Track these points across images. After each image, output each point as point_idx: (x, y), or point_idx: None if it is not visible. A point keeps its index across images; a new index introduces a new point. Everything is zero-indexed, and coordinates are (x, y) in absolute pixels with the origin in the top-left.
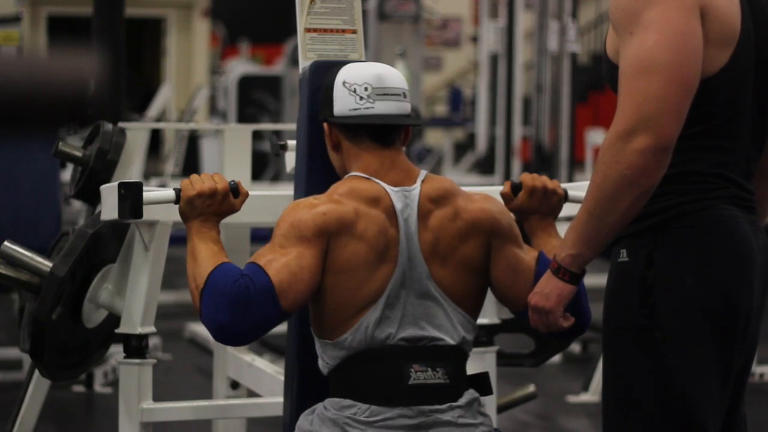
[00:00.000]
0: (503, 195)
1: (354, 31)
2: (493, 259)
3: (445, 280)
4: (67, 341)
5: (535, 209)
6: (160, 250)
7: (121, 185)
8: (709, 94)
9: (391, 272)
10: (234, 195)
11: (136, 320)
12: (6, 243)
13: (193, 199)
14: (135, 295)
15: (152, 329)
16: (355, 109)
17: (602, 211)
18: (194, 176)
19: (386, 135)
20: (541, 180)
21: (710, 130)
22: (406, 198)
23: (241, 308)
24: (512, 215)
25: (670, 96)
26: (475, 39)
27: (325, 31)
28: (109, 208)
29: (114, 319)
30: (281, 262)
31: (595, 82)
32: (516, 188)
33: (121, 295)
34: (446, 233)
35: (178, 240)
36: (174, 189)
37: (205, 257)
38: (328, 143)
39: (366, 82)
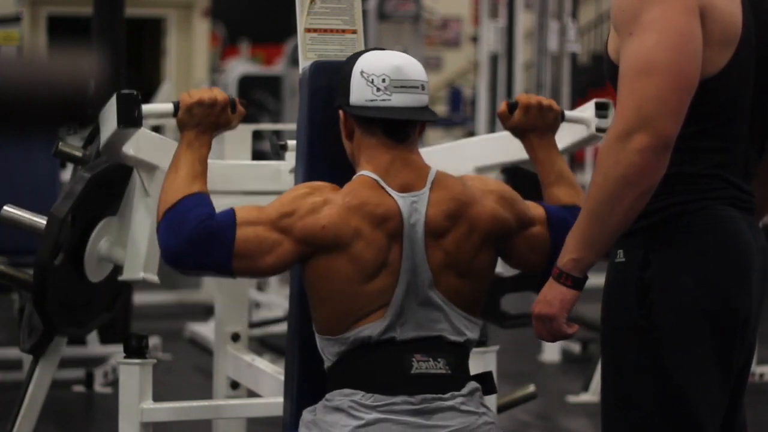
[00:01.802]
0: (500, 114)
1: (354, 31)
2: (508, 252)
3: (453, 289)
4: (70, 294)
5: (533, 126)
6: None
7: (119, 94)
8: (708, 95)
9: (392, 284)
10: (232, 110)
11: (139, 265)
12: (6, 207)
13: (193, 106)
14: (137, 241)
15: (155, 278)
16: (371, 101)
17: (604, 212)
18: (193, 90)
19: (400, 130)
20: (536, 98)
21: (709, 130)
22: (414, 204)
23: (194, 247)
24: (517, 199)
25: (669, 96)
26: (475, 39)
27: (325, 31)
28: (108, 122)
29: (118, 284)
30: (257, 231)
31: (595, 81)
32: (512, 107)
33: (122, 246)
34: (464, 250)
35: None
36: (172, 102)
37: (185, 176)
38: (342, 130)
39: (384, 74)
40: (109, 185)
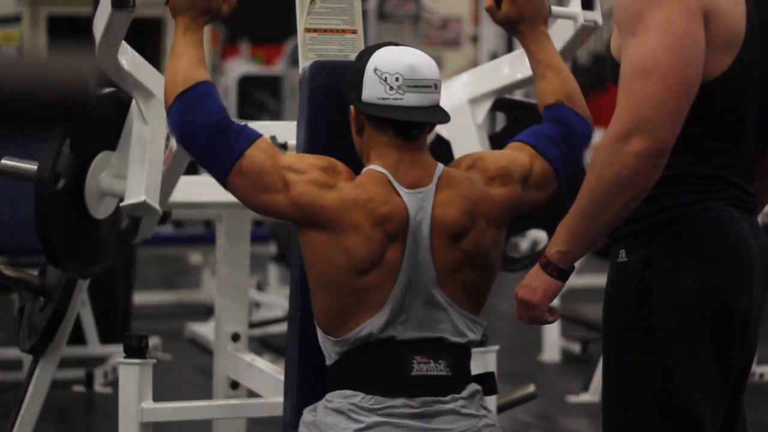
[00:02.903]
0: (488, 9)
1: (354, 31)
2: (522, 210)
3: (465, 286)
4: (72, 227)
5: (521, 15)
6: (158, 124)
7: None
8: (710, 97)
9: (389, 281)
10: None
11: (140, 189)
12: (4, 159)
13: None
14: (137, 167)
15: (157, 205)
16: (383, 99)
17: (594, 211)
18: None
19: (411, 129)
20: None
21: (711, 132)
22: (421, 201)
23: (207, 134)
24: (513, 165)
25: (668, 99)
26: (475, 39)
27: (325, 31)
28: (100, 21)
29: (121, 232)
30: (264, 162)
31: (595, 82)
32: (498, 1)
33: (123, 179)
34: (483, 245)
35: (178, 240)
36: None
37: (190, 60)
38: (352, 125)
39: (398, 72)
40: (105, 116)
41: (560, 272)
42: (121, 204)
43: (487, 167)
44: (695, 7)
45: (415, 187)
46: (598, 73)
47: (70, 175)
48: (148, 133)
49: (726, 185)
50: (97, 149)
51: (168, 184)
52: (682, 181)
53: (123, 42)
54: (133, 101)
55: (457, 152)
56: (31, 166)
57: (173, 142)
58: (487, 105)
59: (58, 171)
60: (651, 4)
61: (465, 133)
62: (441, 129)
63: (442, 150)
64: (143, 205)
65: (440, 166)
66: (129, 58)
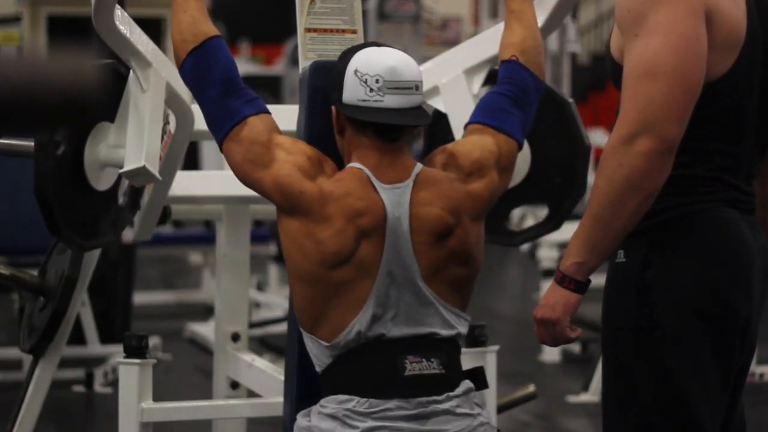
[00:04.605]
0: None
1: (354, 31)
2: (499, 192)
3: (452, 282)
4: (73, 197)
5: None
6: (156, 92)
7: None
8: (711, 98)
9: (366, 276)
10: None
11: (140, 154)
12: (1, 139)
13: None
14: (136, 133)
15: (156, 172)
16: (363, 101)
17: (608, 215)
18: None
19: (391, 131)
20: None
21: (711, 133)
22: (398, 196)
23: (218, 93)
24: (484, 154)
25: (673, 100)
26: None
27: (325, 31)
28: None
29: (121, 210)
30: (260, 134)
31: (595, 82)
32: None
33: (122, 148)
34: (470, 240)
35: (178, 240)
36: None
37: (197, 13)
38: (334, 126)
39: (378, 74)
40: (102, 90)
41: (577, 284)
42: (121, 170)
43: (461, 164)
44: (698, 7)
45: (392, 182)
46: (598, 73)
47: (70, 144)
48: (147, 100)
49: (725, 186)
50: (95, 120)
51: (168, 170)
52: (682, 183)
53: (121, 9)
54: (131, 71)
55: (455, 124)
56: (29, 143)
57: (171, 126)
58: (483, 75)
59: (57, 139)
60: (653, 4)
61: (461, 104)
62: (438, 101)
63: (440, 122)
64: (143, 171)
65: (419, 165)
66: (127, 27)
